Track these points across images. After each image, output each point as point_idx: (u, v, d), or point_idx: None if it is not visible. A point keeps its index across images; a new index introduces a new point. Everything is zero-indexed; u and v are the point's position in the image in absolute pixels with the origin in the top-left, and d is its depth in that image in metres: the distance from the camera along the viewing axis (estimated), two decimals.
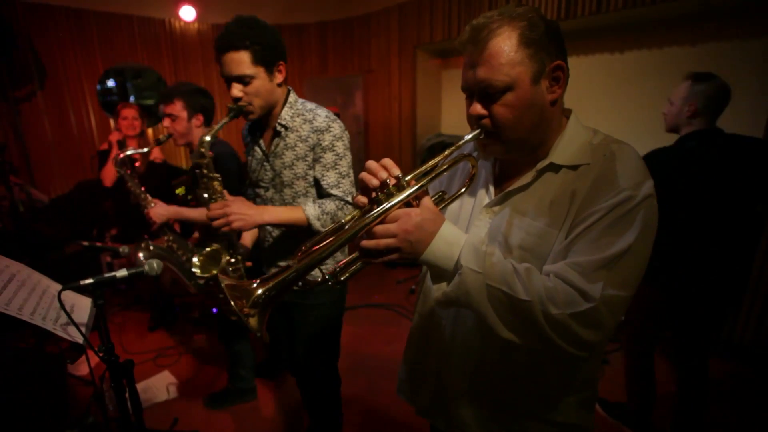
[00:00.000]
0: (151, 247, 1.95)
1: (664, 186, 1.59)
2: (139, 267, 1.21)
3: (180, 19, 4.35)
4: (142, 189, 1.99)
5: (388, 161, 0.76)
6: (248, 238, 1.67)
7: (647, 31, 2.95)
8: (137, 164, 2.77)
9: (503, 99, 0.74)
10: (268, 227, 1.49)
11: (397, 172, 0.75)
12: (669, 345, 2.00)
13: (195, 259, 1.51)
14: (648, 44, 2.98)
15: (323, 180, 1.38)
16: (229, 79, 1.30)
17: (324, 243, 0.75)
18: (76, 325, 1.14)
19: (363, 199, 0.76)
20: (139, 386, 1.34)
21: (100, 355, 1.20)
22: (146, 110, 4.48)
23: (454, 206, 0.93)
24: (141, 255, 1.91)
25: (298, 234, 1.41)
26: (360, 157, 4.57)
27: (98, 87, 4.08)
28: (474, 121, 0.78)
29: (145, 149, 2.08)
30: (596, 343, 0.71)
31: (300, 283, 0.77)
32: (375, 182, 0.74)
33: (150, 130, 4.46)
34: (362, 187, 0.77)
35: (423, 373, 1.01)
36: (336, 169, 1.37)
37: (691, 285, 1.70)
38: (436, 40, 3.85)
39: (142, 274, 1.21)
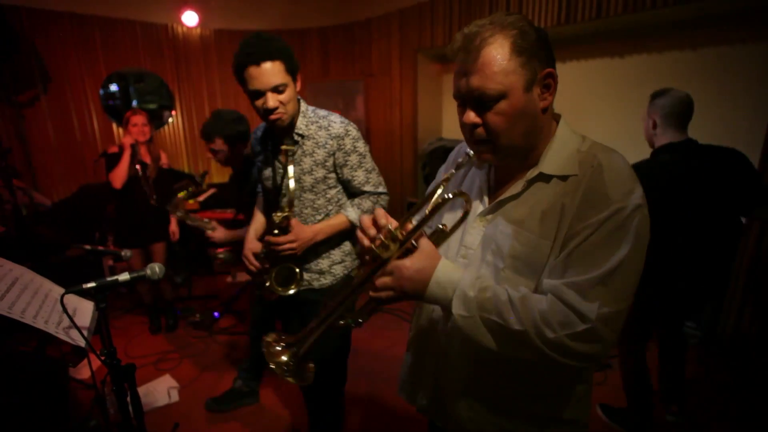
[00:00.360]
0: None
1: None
2: (141, 271, 1.21)
3: (182, 25, 4.38)
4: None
5: (379, 213, 0.81)
6: (252, 234, 1.66)
7: (648, 36, 2.96)
8: (148, 171, 2.79)
9: (497, 107, 0.75)
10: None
11: (388, 225, 0.78)
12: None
13: (269, 283, 1.52)
14: (648, 49, 2.99)
15: (354, 180, 1.47)
16: (261, 92, 1.31)
17: (340, 296, 0.85)
18: (78, 329, 1.14)
19: (365, 255, 0.82)
20: (140, 390, 1.34)
21: (102, 358, 1.20)
22: (151, 114, 4.52)
23: (453, 213, 0.94)
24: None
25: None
26: None
27: (101, 91, 4.11)
28: (468, 129, 0.79)
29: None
30: (598, 355, 0.73)
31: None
32: (366, 243, 0.80)
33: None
34: (359, 244, 0.83)
35: (422, 374, 1.03)
36: (362, 167, 1.47)
37: (673, 286, 1.78)
38: (437, 44, 3.87)
39: (144, 278, 1.21)
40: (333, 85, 4.80)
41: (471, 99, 0.76)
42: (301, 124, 1.43)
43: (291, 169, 1.37)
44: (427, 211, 0.81)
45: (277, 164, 1.51)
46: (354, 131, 1.45)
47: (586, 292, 0.71)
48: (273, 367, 0.87)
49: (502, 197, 0.84)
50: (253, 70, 1.29)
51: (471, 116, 0.77)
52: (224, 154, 2.35)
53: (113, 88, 4.32)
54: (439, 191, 0.81)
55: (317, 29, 4.77)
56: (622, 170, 0.75)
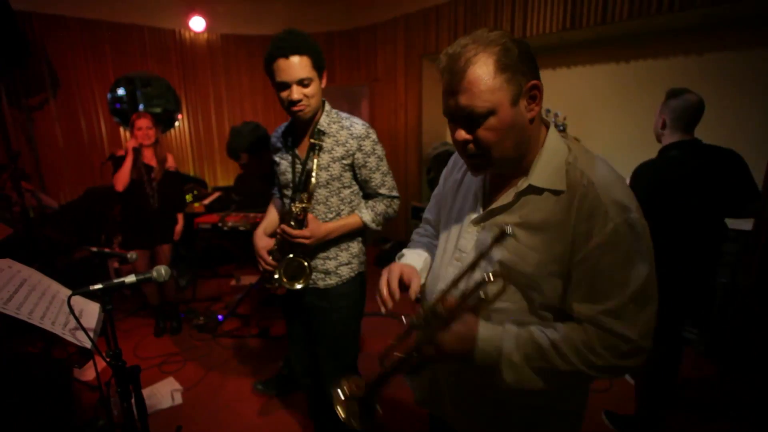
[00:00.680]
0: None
1: (652, 194, 1.71)
2: (147, 273, 1.22)
3: (190, 30, 4.43)
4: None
5: (412, 289, 0.93)
6: (261, 231, 1.67)
7: (653, 41, 2.96)
8: (153, 174, 2.81)
9: (486, 123, 0.77)
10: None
11: (426, 302, 0.88)
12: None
13: (278, 275, 1.53)
14: (654, 54, 2.99)
15: (371, 182, 1.51)
16: (286, 84, 1.37)
17: (394, 359, 0.90)
18: (85, 330, 1.15)
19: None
20: (144, 392, 1.34)
21: (108, 360, 1.20)
22: (156, 118, 4.56)
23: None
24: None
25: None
26: None
27: (109, 95, 4.16)
28: (460, 145, 0.82)
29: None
30: (642, 364, 0.80)
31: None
32: (405, 321, 0.88)
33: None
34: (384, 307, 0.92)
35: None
36: (380, 170, 1.51)
37: (676, 284, 1.80)
38: (442, 50, 3.86)
39: (150, 280, 1.22)
40: (338, 90, 4.83)
41: (461, 117, 0.79)
42: (323, 122, 1.47)
43: (315, 162, 1.41)
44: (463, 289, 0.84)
45: (295, 159, 1.53)
46: (374, 134, 1.50)
47: (621, 315, 0.77)
48: (343, 416, 0.94)
49: (494, 206, 0.87)
50: (281, 63, 1.34)
51: (462, 134, 0.80)
52: (254, 165, 2.38)
53: (121, 92, 4.37)
54: (480, 274, 0.84)
55: (323, 34, 4.81)
56: (614, 185, 0.78)
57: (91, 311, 1.36)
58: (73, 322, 1.20)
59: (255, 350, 2.90)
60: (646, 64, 3.04)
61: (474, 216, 0.91)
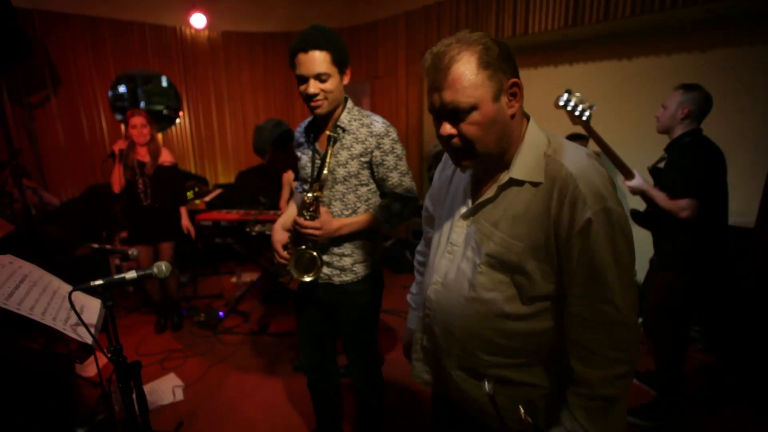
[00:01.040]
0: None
1: (721, 180, 1.85)
2: (148, 269, 1.22)
3: (191, 27, 4.42)
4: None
5: None
6: (278, 225, 1.69)
7: (655, 38, 2.95)
8: (146, 169, 2.81)
9: (470, 118, 0.81)
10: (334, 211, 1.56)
11: None
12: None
13: (294, 271, 1.53)
14: (656, 51, 2.98)
15: (388, 181, 1.50)
16: (305, 78, 1.39)
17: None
18: (86, 326, 1.15)
19: None
20: (145, 388, 1.35)
21: (109, 355, 1.21)
22: (156, 115, 4.56)
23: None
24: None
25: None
26: None
27: (110, 93, 4.16)
28: (445, 140, 0.86)
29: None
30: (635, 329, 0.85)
31: None
32: None
33: (159, 135, 4.53)
34: None
35: (423, 352, 1.11)
36: (398, 169, 1.49)
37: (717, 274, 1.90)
38: None
39: (151, 276, 1.22)
40: None
41: (445, 112, 0.83)
42: (344, 118, 1.48)
43: (329, 153, 1.42)
44: None
45: (315, 153, 1.54)
46: (394, 133, 1.49)
47: (611, 298, 0.82)
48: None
49: (480, 200, 0.92)
50: (301, 57, 1.36)
51: (447, 128, 0.84)
52: (281, 160, 2.39)
53: (122, 89, 4.37)
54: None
55: (319, 24, 4.79)
56: (592, 175, 0.82)
57: (92, 307, 1.36)
58: (74, 318, 1.21)
59: (256, 347, 2.91)
60: (649, 60, 3.03)
61: (463, 210, 0.96)
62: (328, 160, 1.43)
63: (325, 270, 1.56)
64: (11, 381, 1.66)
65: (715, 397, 2.29)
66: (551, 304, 0.88)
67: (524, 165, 0.86)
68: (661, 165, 2.03)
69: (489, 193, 0.90)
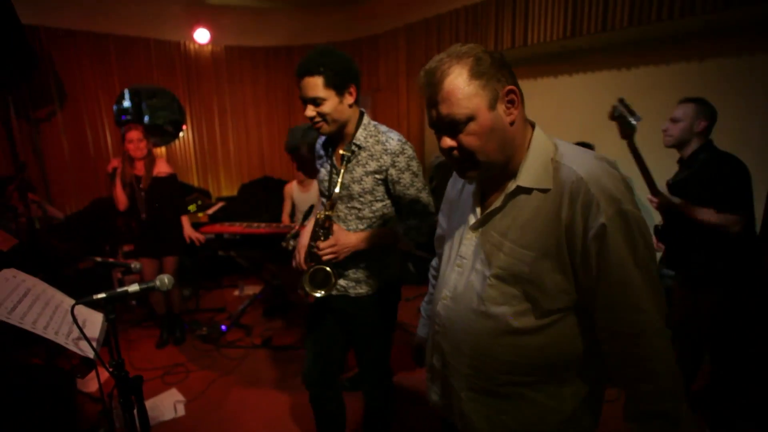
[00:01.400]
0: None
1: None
2: (151, 282, 1.22)
3: (194, 42, 4.49)
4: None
5: None
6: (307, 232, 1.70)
7: (653, 48, 2.97)
8: (141, 184, 2.81)
9: (467, 129, 0.81)
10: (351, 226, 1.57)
11: None
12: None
13: (310, 290, 1.54)
14: (654, 61, 3.00)
15: (405, 198, 1.50)
16: (305, 101, 1.44)
17: None
18: (88, 340, 1.14)
19: None
20: (146, 404, 1.33)
21: (110, 370, 1.20)
22: (159, 129, 4.60)
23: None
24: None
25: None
26: None
27: (114, 107, 4.20)
28: (447, 153, 0.87)
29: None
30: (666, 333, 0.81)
31: None
32: None
33: (163, 149, 4.57)
34: None
35: (433, 370, 1.07)
36: (414, 186, 1.50)
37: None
38: None
39: (153, 289, 1.22)
40: None
41: (443, 126, 0.84)
42: (360, 135, 1.49)
43: (342, 172, 1.45)
44: None
45: (332, 168, 1.56)
46: (410, 150, 1.49)
47: (639, 307, 0.78)
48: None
49: (488, 210, 0.90)
50: (300, 82, 1.42)
51: (447, 141, 0.85)
52: (311, 163, 2.41)
53: (126, 103, 4.42)
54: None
55: (325, 45, 4.85)
56: (604, 178, 0.79)
57: (94, 321, 1.36)
58: (76, 332, 1.20)
59: (258, 361, 2.88)
60: (647, 70, 3.05)
61: (472, 221, 0.94)
62: (339, 179, 1.46)
63: (341, 281, 1.56)
64: (12, 396, 1.65)
65: (721, 416, 2.25)
66: (566, 315, 0.85)
67: (531, 172, 0.84)
68: (671, 179, 1.98)
69: (497, 202, 0.88)
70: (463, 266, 0.94)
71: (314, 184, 3.09)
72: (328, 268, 1.49)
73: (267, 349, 3.01)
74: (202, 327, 3.26)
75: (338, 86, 1.41)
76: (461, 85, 0.80)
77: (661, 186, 2.01)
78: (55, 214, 3.55)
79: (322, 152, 1.64)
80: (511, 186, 0.86)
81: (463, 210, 1.00)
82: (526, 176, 0.85)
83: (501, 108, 0.82)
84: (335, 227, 1.48)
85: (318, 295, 1.50)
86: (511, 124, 0.84)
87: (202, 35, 4.39)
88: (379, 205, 1.51)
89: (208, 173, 4.93)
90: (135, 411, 1.28)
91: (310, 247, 1.51)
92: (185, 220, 3.04)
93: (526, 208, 0.84)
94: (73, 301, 1.15)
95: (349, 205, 1.52)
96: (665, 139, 1.96)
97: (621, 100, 1.95)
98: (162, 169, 2.91)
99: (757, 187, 1.86)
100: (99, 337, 1.30)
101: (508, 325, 0.86)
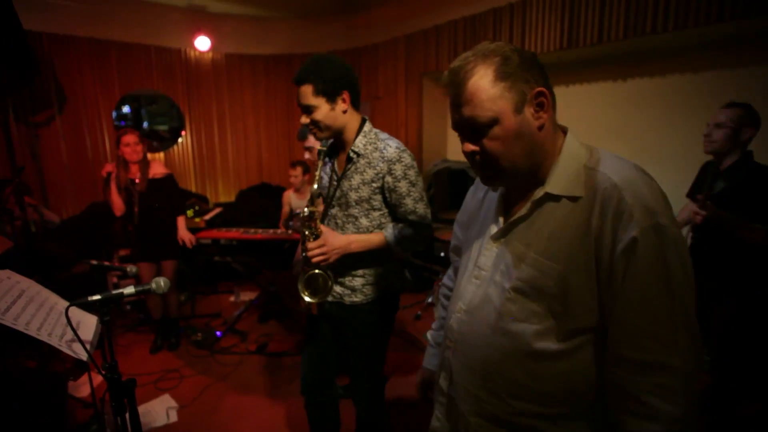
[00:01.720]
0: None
1: None
2: (147, 285, 1.22)
3: (195, 49, 4.53)
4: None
5: None
6: None
7: (649, 60, 3.02)
8: (137, 185, 2.80)
9: (491, 133, 0.76)
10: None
11: None
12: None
13: (303, 293, 1.54)
14: (650, 72, 3.04)
15: (401, 207, 1.48)
16: (300, 108, 1.47)
17: None
18: (81, 341, 1.14)
19: None
20: (139, 409, 1.32)
21: (103, 372, 1.19)
22: (157, 135, 4.62)
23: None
24: None
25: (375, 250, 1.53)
26: None
27: (114, 113, 4.22)
28: (469, 157, 0.82)
29: None
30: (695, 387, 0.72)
31: None
32: None
33: (162, 154, 4.58)
34: None
35: (437, 394, 1.00)
36: (410, 196, 1.47)
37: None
38: (442, 68, 3.96)
39: (149, 292, 1.21)
40: None
41: (466, 128, 0.79)
42: (359, 142, 1.48)
43: (320, 165, 1.47)
44: None
45: (333, 173, 1.57)
46: (408, 158, 1.46)
47: (658, 339, 0.70)
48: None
49: (512, 219, 0.83)
50: (297, 90, 1.46)
51: (469, 146, 0.80)
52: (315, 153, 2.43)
53: (126, 109, 4.44)
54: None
55: (323, 54, 4.90)
56: (641, 187, 0.71)
57: (88, 323, 1.35)
58: (69, 334, 1.20)
59: (253, 367, 2.86)
60: (643, 82, 3.09)
61: (494, 230, 0.87)
62: (317, 175, 1.47)
63: (337, 288, 1.55)
64: (1, 399, 1.63)
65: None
66: (594, 338, 0.76)
67: (561, 179, 0.78)
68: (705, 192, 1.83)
69: (522, 211, 0.81)
70: (481, 278, 0.87)
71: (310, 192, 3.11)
72: (322, 272, 1.48)
73: (262, 356, 2.99)
74: (197, 332, 3.24)
75: (328, 94, 1.42)
76: (486, 87, 0.74)
77: (682, 198, 1.93)
78: (52, 218, 3.55)
79: (326, 158, 1.65)
80: (539, 193, 0.79)
81: (485, 219, 0.93)
82: (555, 183, 0.78)
83: (528, 111, 0.76)
84: (323, 228, 1.47)
85: (308, 300, 1.50)
86: (540, 128, 0.77)
87: (202, 43, 4.43)
88: (376, 214, 1.50)
89: (206, 179, 4.93)
90: (127, 415, 1.27)
91: (303, 250, 1.51)
92: (181, 221, 3.02)
93: (554, 218, 0.77)
94: (66, 303, 1.15)
95: (346, 212, 1.52)
96: (707, 145, 1.84)
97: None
98: (158, 170, 2.90)
99: None
100: (93, 339, 1.29)
101: (527, 346, 0.78)
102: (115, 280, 3.54)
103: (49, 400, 1.73)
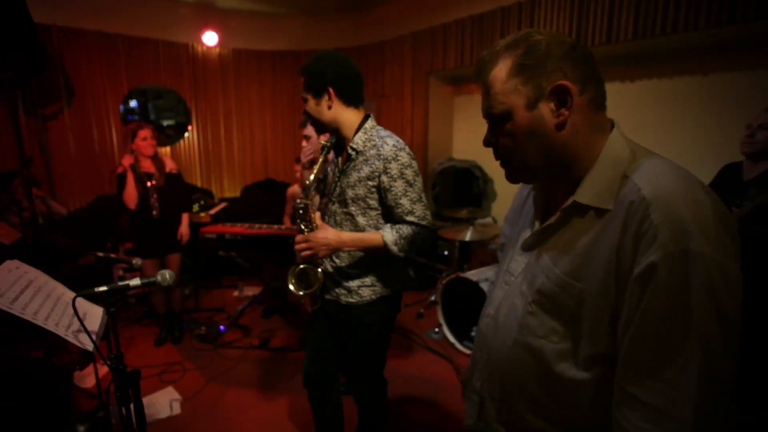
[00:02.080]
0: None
1: None
2: (152, 277, 1.23)
3: (202, 44, 4.54)
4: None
5: None
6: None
7: (658, 61, 2.99)
8: (154, 181, 2.83)
9: (505, 127, 0.73)
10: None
11: None
12: None
13: (291, 283, 1.55)
14: (659, 74, 3.02)
15: (397, 208, 1.43)
16: None
17: None
18: (87, 332, 1.15)
19: None
20: (143, 401, 1.33)
21: (109, 363, 1.20)
22: (163, 130, 4.64)
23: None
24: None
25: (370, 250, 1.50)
26: None
27: (121, 107, 4.25)
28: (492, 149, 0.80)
29: None
30: None
31: None
32: None
33: (168, 149, 4.61)
34: None
35: (470, 392, 0.96)
36: (407, 196, 1.42)
37: None
38: (448, 67, 3.95)
39: (155, 284, 1.23)
40: None
41: (487, 120, 0.77)
42: (358, 139, 1.47)
43: (320, 160, 1.47)
44: None
45: (336, 168, 1.58)
46: (405, 157, 1.41)
47: (664, 395, 0.58)
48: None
49: (544, 225, 0.77)
50: None
51: (487, 135, 0.77)
52: (313, 143, 2.42)
53: (133, 103, 4.47)
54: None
55: (325, 49, 4.90)
56: (678, 203, 0.59)
57: (94, 314, 1.37)
58: (76, 324, 1.21)
59: (256, 362, 2.88)
60: (651, 83, 3.07)
61: (527, 235, 0.82)
62: (316, 168, 1.48)
63: (335, 288, 1.55)
64: (7, 388, 1.65)
65: None
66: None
67: (594, 187, 0.69)
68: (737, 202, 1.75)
69: (552, 218, 0.75)
70: (510, 284, 0.83)
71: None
72: (311, 266, 1.48)
73: (265, 351, 3.00)
74: (201, 326, 3.26)
75: (314, 89, 1.46)
76: (501, 79, 0.71)
77: None
78: (59, 210, 3.58)
79: (333, 153, 1.65)
80: (568, 201, 0.71)
81: (524, 220, 0.87)
82: (586, 191, 0.69)
83: (546, 108, 0.69)
84: (319, 223, 1.45)
85: (301, 293, 1.51)
86: (559, 127, 0.70)
87: (210, 38, 4.44)
88: (373, 213, 1.48)
89: (211, 174, 4.96)
90: (131, 406, 1.28)
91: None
92: (186, 218, 3.05)
93: (583, 231, 0.69)
94: (73, 294, 1.16)
95: (344, 210, 1.50)
96: (747, 146, 1.78)
97: None
98: (171, 166, 2.97)
99: None
100: (98, 330, 1.31)
101: (546, 365, 0.73)
102: (120, 272, 3.57)
103: (54, 390, 1.75)
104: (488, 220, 3.90)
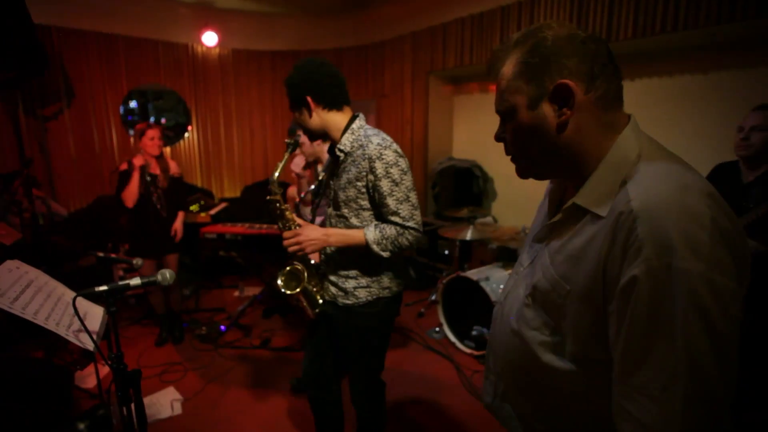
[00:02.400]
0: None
1: None
2: (152, 276, 1.23)
3: (202, 44, 4.54)
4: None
5: None
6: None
7: (657, 60, 2.99)
8: (158, 183, 2.84)
9: (509, 125, 0.74)
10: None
11: None
12: None
13: (279, 281, 1.59)
14: (659, 72, 3.02)
15: (383, 208, 1.42)
16: None
17: None
18: (88, 331, 1.15)
19: None
20: (144, 401, 1.33)
21: (109, 362, 1.20)
22: (165, 130, 4.64)
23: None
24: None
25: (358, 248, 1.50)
26: None
27: (121, 108, 4.25)
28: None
29: None
30: None
31: None
32: None
33: (168, 149, 4.61)
34: None
35: (487, 371, 0.98)
36: (393, 195, 1.39)
37: None
38: (448, 66, 3.95)
39: (155, 284, 1.22)
40: None
41: (498, 115, 0.77)
42: (346, 140, 1.45)
43: (284, 159, 1.50)
44: None
45: (330, 172, 1.58)
46: (390, 156, 1.37)
47: (647, 396, 0.58)
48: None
49: (550, 221, 0.77)
50: None
51: (498, 130, 0.78)
52: (307, 146, 2.42)
53: (133, 104, 4.47)
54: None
55: (332, 50, 4.91)
56: (668, 214, 0.57)
57: (94, 314, 1.37)
58: (76, 324, 1.21)
59: (257, 362, 2.88)
60: (651, 82, 3.07)
61: (539, 228, 0.84)
62: (279, 166, 1.50)
63: (332, 289, 1.55)
64: (8, 388, 1.65)
65: None
66: (604, 369, 0.66)
67: (595, 190, 0.68)
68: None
69: (557, 216, 0.75)
70: (519, 274, 0.85)
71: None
72: (300, 264, 1.50)
73: (265, 351, 3.00)
74: (201, 327, 3.26)
75: (294, 101, 1.47)
76: (507, 76, 0.71)
77: None
78: (59, 211, 3.58)
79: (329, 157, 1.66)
80: (569, 202, 0.71)
81: (542, 213, 0.89)
82: (587, 194, 0.68)
83: (547, 107, 0.68)
84: (300, 221, 1.51)
85: (288, 292, 1.52)
86: (561, 127, 0.68)
87: (210, 38, 4.43)
88: (366, 214, 1.46)
89: (211, 174, 4.96)
90: (132, 406, 1.28)
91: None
92: (181, 215, 3.05)
93: (580, 233, 0.69)
94: (74, 294, 1.16)
95: (338, 213, 1.50)
96: (743, 149, 1.75)
97: None
98: (175, 169, 3.00)
99: None
100: (99, 330, 1.31)
101: (535, 356, 0.75)
102: (120, 273, 3.57)
103: (55, 390, 1.75)
104: (488, 219, 3.90)
